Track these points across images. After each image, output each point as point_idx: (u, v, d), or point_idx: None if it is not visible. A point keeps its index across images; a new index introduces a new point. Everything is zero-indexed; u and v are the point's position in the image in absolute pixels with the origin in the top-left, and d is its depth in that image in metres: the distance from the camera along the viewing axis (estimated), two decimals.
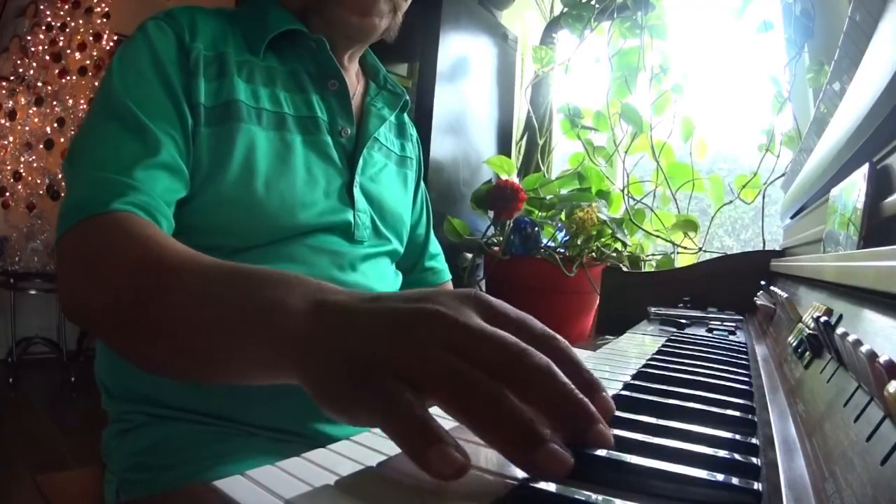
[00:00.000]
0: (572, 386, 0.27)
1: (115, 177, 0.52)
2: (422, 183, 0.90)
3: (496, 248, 1.53)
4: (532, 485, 0.24)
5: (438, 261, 0.93)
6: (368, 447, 0.30)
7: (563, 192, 1.62)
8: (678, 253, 1.51)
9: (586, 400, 0.27)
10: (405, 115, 0.86)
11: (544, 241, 1.50)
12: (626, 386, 0.43)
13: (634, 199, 1.58)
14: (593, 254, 1.45)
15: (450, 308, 0.28)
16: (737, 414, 0.36)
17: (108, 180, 0.51)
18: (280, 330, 0.32)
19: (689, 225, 1.48)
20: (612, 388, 0.42)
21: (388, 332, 0.28)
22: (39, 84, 3.33)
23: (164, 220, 0.54)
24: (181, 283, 0.41)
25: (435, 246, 0.94)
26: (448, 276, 0.95)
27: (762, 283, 0.90)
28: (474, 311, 0.29)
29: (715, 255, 1.25)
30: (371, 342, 0.28)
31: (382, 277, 0.73)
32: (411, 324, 0.28)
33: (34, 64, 3.31)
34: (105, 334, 0.48)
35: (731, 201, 1.50)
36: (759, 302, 0.83)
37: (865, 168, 0.48)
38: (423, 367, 0.26)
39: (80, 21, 3.36)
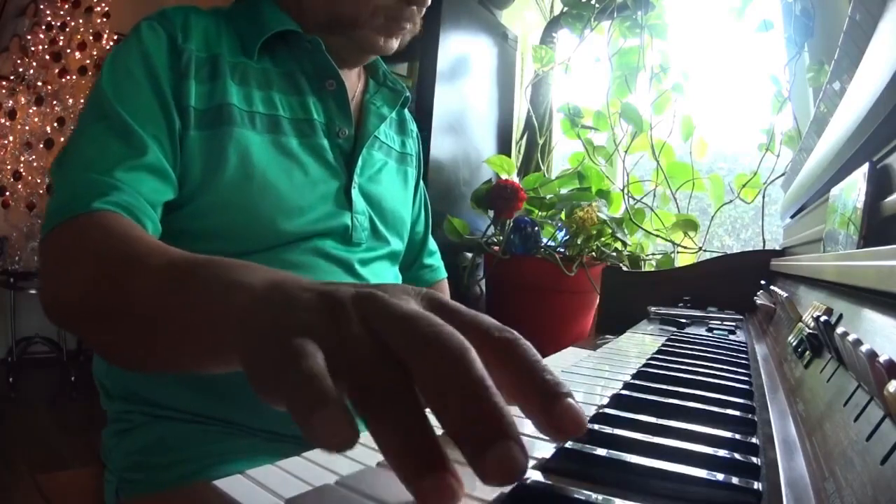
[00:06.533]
0: (487, 382, 0.20)
1: (98, 177, 0.51)
2: (421, 182, 0.90)
3: (496, 248, 1.53)
4: (530, 484, 0.24)
5: (436, 258, 0.94)
6: (369, 447, 0.30)
7: (563, 191, 1.62)
8: (678, 252, 1.51)
9: (501, 405, 0.20)
10: (405, 110, 0.85)
11: (544, 240, 1.49)
12: (627, 385, 0.43)
13: (634, 199, 1.58)
14: (593, 253, 1.45)
15: (388, 294, 0.26)
16: (737, 413, 0.36)
17: (91, 181, 0.51)
18: (226, 304, 0.31)
19: (688, 224, 1.48)
20: (613, 387, 0.42)
21: (317, 306, 0.26)
22: (39, 83, 3.33)
23: (148, 220, 0.53)
24: (145, 269, 0.40)
25: (433, 244, 0.95)
26: (444, 273, 0.96)
27: (762, 282, 0.90)
28: (417, 303, 0.26)
29: (715, 255, 1.24)
30: (299, 313, 0.26)
31: (382, 281, 0.73)
32: (340, 301, 0.26)
33: (34, 63, 3.31)
34: (76, 327, 0.47)
35: (731, 201, 1.50)
36: (759, 301, 0.83)
37: (865, 168, 0.48)
38: (329, 340, 0.24)
39: (80, 20, 3.36)
